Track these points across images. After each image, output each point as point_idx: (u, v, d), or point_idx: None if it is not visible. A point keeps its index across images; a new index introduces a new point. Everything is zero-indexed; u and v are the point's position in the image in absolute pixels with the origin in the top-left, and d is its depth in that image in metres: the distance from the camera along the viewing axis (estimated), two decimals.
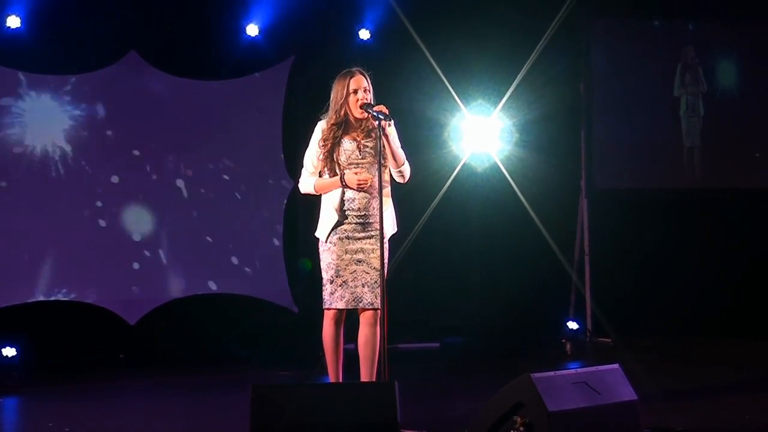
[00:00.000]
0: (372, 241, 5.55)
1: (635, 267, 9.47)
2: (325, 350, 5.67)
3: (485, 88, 8.98)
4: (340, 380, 5.69)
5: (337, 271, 5.58)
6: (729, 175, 9.79)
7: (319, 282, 5.69)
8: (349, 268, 5.58)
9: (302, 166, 5.76)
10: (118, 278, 8.46)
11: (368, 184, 5.55)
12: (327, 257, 5.62)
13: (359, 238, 5.59)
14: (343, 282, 5.57)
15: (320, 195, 5.71)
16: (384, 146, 5.51)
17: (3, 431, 6.42)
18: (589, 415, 4.82)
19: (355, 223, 5.60)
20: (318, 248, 5.70)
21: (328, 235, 5.61)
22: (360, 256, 5.58)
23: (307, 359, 8.24)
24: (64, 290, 8.30)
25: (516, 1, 8.98)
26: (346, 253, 5.58)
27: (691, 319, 9.31)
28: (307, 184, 5.73)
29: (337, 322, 5.62)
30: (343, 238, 5.59)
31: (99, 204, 8.44)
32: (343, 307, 5.57)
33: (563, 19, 8.56)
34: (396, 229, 5.76)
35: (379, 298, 5.46)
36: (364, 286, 5.56)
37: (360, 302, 5.57)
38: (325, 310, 5.63)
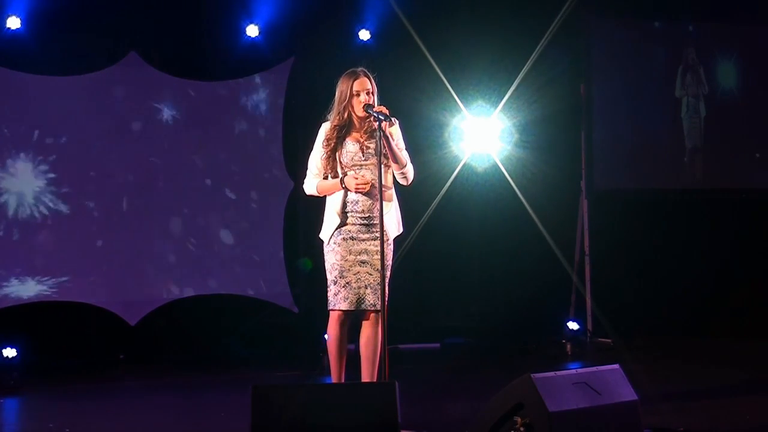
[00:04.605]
0: (376, 242, 5.53)
1: (635, 267, 9.47)
2: (329, 351, 5.66)
3: (485, 89, 8.98)
4: (343, 381, 5.68)
5: (341, 272, 5.58)
6: (729, 176, 9.80)
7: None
8: (353, 269, 5.58)
9: (306, 168, 5.76)
10: (118, 278, 8.46)
11: (367, 188, 5.56)
12: (331, 258, 5.63)
13: (363, 239, 5.60)
14: (347, 283, 5.57)
15: (324, 197, 5.72)
16: (384, 147, 5.51)
17: (3, 431, 6.43)
18: (589, 415, 4.82)
19: (360, 225, 5.61)
20: (323, 250, 5.70)
21: (331, 236, 5.62)
22: (364, 257, 5.59)
23: (307, 359, 8.26)
24: (65, 290, 8.30)
25: (516, 1, 8.98)
26: (350, 253, 5.59)
27: (691, 319, 9.32)
28: (310, 186, 5.73)
29: (341, 324, 5.61)
30: (347, 239, 5.60)
31: (100, 205, 8.44)
32: (347, 308, 5.56)
33: (563, 20, 8.55)
34: (401, 230, 5.76)
35: (385, 299, 5.48)
36: (367, 288, 5.57)
37: (363, 303, 5.57)
38: (330, 312, 5.63)
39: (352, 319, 5.68)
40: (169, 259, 8.63)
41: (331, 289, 5.61)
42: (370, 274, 5.57)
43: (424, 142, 8.56)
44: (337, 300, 5.58)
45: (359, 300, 5.57)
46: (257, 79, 8.83)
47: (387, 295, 5.54)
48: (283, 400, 4.73)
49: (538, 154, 9.08)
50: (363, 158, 5.63)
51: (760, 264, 9.73)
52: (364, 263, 5.59)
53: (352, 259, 5.58)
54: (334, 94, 5.67)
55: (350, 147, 5.63)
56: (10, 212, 8.22)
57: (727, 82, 9.77)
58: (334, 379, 5.64)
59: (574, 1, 8.59)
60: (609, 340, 8.91)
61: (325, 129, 5.68)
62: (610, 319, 8.84)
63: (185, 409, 6.75)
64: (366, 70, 5.65)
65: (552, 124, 9.12)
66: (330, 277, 5.63)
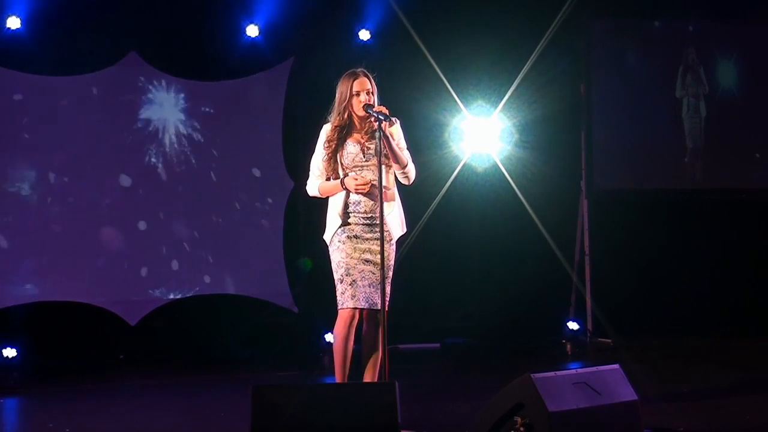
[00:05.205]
0: (380, 242, 5.53)
1: (635, 267, 9.47)
2: (335, 352, 5.61)
3: (485, 89, 8.98)
4: (346, 381, 5.66)
5: (347, 269, 5.57)
6: (729, 176, 9.80)
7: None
8: (358, 267, 5.57)
9: (309, 170, 5.76)
10: (118, 278, 8.46)
11: (367, 188, 5.56)
12: (336, 256, 5.62)
13: (367, 239, 5.60)
14: (353, 281, 5.56)
15: (327, 198, 5.72)
16: (385, 147, 5.51)
17: (3, 431, 6.43)
18: (589, 415, 4.82)
19: (363, 224, 5.61)
20: (327, 252, 5.69)
21: (334, 235, 5.62)
22: (368, 256, 5.58)
23: (307, 359, 8.26)
24: (65, 290, 8.30)
25: (516, 1, 8.98)
26: (355, 251, 5.58)
27: (691, 319, 9.32)
28: (312, 187, 5.74)
29: (349, 324, 5.57)
30: (351, 237, 5.60)
31: (100, 204, 8.44)
32: (353, 306, 5.55)
33: (563, 20, 8.55)
34: (405, 230, 5.76)
35: (386, 298, 5.49)
36: (371, 287, 5.56)
37: (368, 302, 5.56)
38: (339, 311, 5.60)
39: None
40: (169, 259, 8.63)
41: (339, 288, 5.60)
42: (374, 273, 5.56)
43: (424, 142, 8.56)
44: (344, 298, 5.57)
45: (365, 298, 5.56)
46: (257, 79, 8.83)
47: (389, 294, 5.55)
48: (283, 400, 4.73)
49: (538, 154, 9.08)
50: (364, 159, 5.63)
51: (760, 264, 9.73)
52: (368, 262, 5.58)
53: (357, 257, 5.58)
54: (335, 95, 5.68)
55: (351, 148, 5.63)
56: (11, 212, 8.23)
57: (727, 82, 9.77)
58: (337, 378, 5.61)
59: (574, 1, 8.59)
60: (609, 340, 8.91)
61: (326, 130, 5.69)
62: (610, 319, 8.84)
63: (185, 409, 6.75)
64: (366, 71, 5.66)
65: (552, 124, 9.12)
66: (336, 275, 5.62)
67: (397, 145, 5.63)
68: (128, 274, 8.50)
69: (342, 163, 5.64)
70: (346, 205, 5.62)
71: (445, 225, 8.92)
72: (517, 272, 9.31)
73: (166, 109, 8.62)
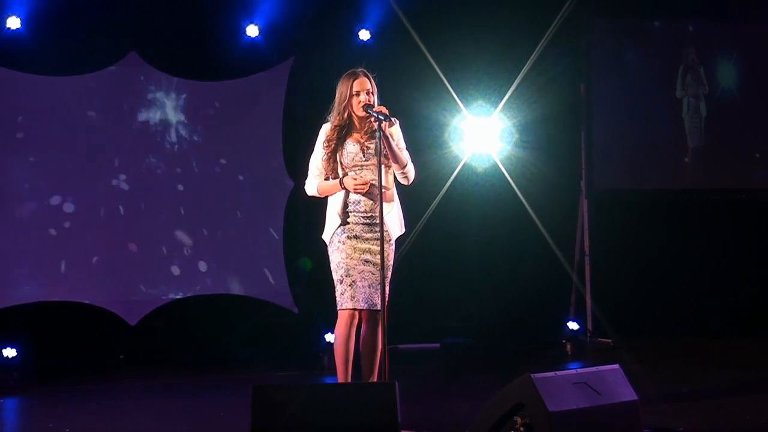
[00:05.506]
0: (379, 242, 5.53)
1: (635, 267, 9.47)
2: (335, 351, 5.62)
3: (485, 89, 8.98)
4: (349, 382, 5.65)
5: (347, 270, 5.57)
6: (729, 176, 9.80)
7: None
8: (358, 268, 5.57)
9: (307, 169, 5.76)
10: (118, 278, 8.46)
11: (366, 188, 5.56)
12: (337, 257, 5.62)
13: (367, 239, 5.60)
14: (353, 282, 5.56)
15: (326, 198, 5.72)
16: (384, 147, 5.51)
17: (3, 431, 6.43)
18: (589, 415, 4.82)
19: (362, 224, 5.61)
20: (326, 252, 5.69)
21: (334, 235, 5.62)
22: (367, 256, 5.58)
23: (307, 359, 8.26)
24: (65, 290, 8.30)
25: (516, 1, 8.98)
26: (355, 251, 5.58)
27: (691, 319, 9.32)
28: (311, 187, 5.74)
29: (350, 324, 5.57)
30: (351, 237, 5.60)
31: (100, 205, 8.44)
32: (352, 306, 5.55)
33: (563, 19, 8.56)
34: (404, 230, 5.76)
35: (386, 299, 5.48)
36: (370, 287, 5.56)
37: (367, 303, 5.56)
38: (339, 312, 5.61)
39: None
40: (169, 259, 8.63)
41: (338, 289, 5.60)
42: (374, 274, 5.56)
43: (424, 142, 8.56)
44: (344, 299, 5.57)
45: (365, 299, 5.56)
46: (257, 79, 8.83)
47: (388, 295, 5.55)
48: (283, 400, 4.73)
49: (538, 154, 9.08)
50: (363, 159, 5.63)
51: (760, 264, 9.73)
52: (367, 262, 5.58)
53: (357, 257, 5.58)
54: (334, 95, 5.68)
55: (351, 148, 5.64)
56: (11, 212, 8.22)
57: (727, 82, 9.77)
58: (341, 381, 5.60)
59: (574, 1, 8.59)
60: (609, 340, 8.91)
61: (325, 130, 5.69)
62: (610, 319, 8.84)
63: (185, 409, 6.75)
64: (366, 71, 5.66)
65: (552, 124, 9.12)
66: (336, 276, 5.62)
67: (397, 145, 5.63)
68: (128, 274, 8.49)
69: (341, 163, 5.64)
70: (345, 205, 5.62)
71: (445, 225, 8.92)
72: (517, 272, 9.31)
73: (166, 109, 8.62)
